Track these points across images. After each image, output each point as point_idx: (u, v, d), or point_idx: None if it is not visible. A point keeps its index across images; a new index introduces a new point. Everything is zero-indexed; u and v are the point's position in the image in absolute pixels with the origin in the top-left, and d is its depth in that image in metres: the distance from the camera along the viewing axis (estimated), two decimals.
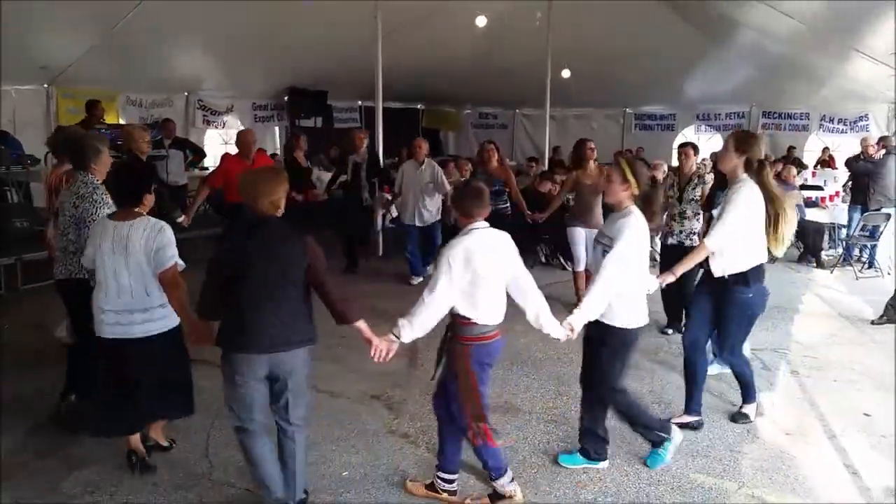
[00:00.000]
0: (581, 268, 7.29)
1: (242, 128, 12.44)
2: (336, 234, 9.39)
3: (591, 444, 4.16)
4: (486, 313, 3.50)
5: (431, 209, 8.68)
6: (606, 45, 13.18)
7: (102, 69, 10.66)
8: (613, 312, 3.85)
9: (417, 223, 8.64)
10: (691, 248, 5.10)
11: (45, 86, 10.78)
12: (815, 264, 9.87)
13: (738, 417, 4.82)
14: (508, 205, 8.13)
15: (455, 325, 3.55)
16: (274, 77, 13.73)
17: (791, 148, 14.93)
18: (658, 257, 7.39)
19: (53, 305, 6.26)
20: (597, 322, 3.86)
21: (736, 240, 4.30)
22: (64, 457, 4.22)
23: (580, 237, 7.24)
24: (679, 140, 17.41)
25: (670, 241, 6.54)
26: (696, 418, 4.69)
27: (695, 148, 6.73)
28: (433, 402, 3.79)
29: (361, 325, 3.47)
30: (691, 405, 4.71)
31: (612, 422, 4.17)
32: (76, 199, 4.25)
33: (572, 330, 3.75)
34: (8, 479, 3.96)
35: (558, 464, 4.19)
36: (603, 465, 4.17)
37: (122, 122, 10.83)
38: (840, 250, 10.11)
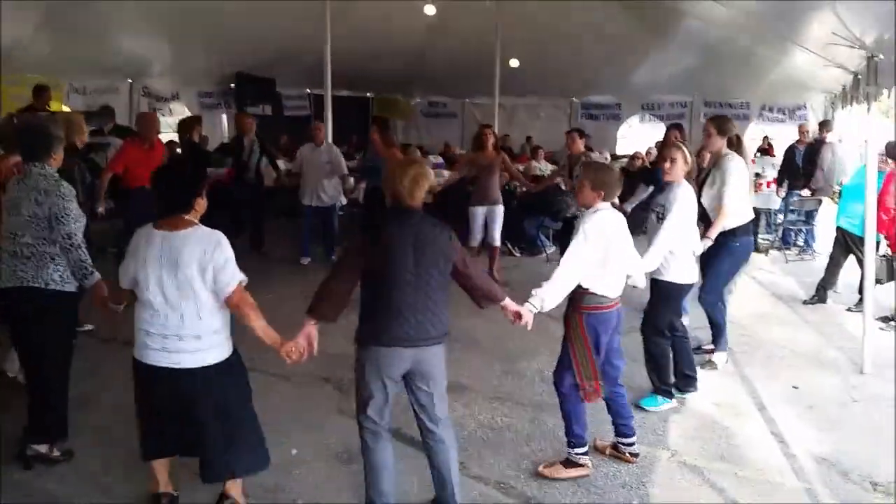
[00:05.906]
0: (476, 244, 8.03)
1: (189, 115, 12.34)
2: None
3: (681, 382, 4.92)
4: (606, 285, 3.83)
5: (330, 191, 8.86)
6: (552, 35, 13.31)
7: (45, 54, 10.38)
8: (667, 269, 4.60)
9: (314, 204, 8.81)
10: None
11: None
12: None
13: (706, 364, 5.52)
14: None
15: (575, 295, 3.84)
16: (220, 63, 13.51)
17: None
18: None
19: None
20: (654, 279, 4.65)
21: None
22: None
23: (479, 215, 8.03)
24: (624, 129, 18.04)
25: None
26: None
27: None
28: (555, 379, 3.97)
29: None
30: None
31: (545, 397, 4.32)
32: (37, 195, 3.82)
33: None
34: None
35: (640, 407, 4.70)
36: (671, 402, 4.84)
37: (66, 109, 10.59)
38: (775, 235, 10.51)
